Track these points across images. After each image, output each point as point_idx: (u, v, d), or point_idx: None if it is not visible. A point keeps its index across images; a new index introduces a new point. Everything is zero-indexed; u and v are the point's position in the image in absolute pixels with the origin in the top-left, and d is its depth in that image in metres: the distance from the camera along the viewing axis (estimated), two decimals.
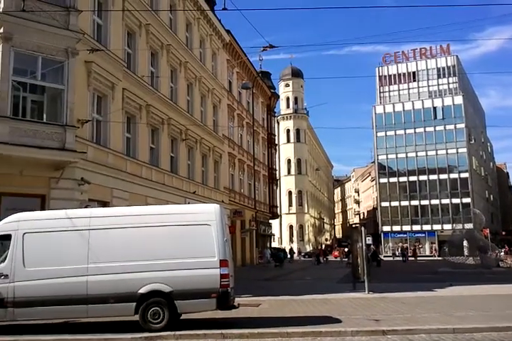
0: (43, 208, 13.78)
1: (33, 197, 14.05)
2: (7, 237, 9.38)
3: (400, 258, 45.14)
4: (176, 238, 9.42)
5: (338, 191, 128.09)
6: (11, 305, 8.96)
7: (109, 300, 9.00)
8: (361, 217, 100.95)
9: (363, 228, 16.80)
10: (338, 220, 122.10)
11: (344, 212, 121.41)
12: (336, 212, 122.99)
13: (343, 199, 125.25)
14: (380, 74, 75.84)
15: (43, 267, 9.15)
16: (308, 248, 66.94)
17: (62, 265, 9.18)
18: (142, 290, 9.06)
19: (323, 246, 72.42)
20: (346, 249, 43.79)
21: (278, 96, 58.14)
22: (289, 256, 47.83)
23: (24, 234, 9.34)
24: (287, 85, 74.38)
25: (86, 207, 14.29)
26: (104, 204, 16.49)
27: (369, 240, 31.65)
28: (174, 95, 24.15)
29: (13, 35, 13.21)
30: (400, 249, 52.73)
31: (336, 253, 56.47)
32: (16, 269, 9.14)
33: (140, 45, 20.39)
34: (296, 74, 74.30)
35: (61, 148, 13.82)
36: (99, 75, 16.67)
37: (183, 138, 24.38)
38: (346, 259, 36.16)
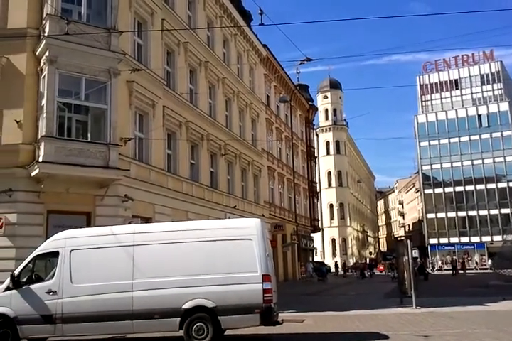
0: (88, 225, 14.10)
1: (79, 215, 14.39)
2: (55, 254, 9.63)
3: (442, 271, 43.64)
4: (217, 253, 9.42)
5: (381, 203, 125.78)
6: (60, 321, 9.14)
7: (154, 315, 9.05)
8: (406, 230, 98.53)
9: (408, 241, 16.36)
10: (382, 233, 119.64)
11: (388, 224, 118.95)
12: (380, 224, 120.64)
13: (386, 212, 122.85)
14: (421, 82, 74.73)
15: (90, 283, 9.32)
16: (352, 262, 65.76)
17: (108, 281, 9.31)
18: (186, 306, 9.06)
19: (368, 259, 71.01)
20: (389, 262, 42.87)
21: (316, 109, 57.96)
22: (340, 270, 47.03)
23: (71, 250, 9.56)
24: (325, 97, 74.10)
25: (130, 223, 14.52)
26: (147, 220, 16.72)
27: (415, 253, 30.85)
28: (213, 111, 24.45)
29: (57, 58, 13.71)
30: (445, 262, 51.04)
31: (381, 267, 55.22)
32: (64, 285, 9.34)
33: (179, 63, 20.80)
34: (335, 85, 73.96)
35: (105, 166, 14.15)
36: (141, 94, 17.07)
37: (222, 153, 24.59)
38: (392, 273, 35.32)
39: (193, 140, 21.62)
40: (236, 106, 27.70)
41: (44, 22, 14.05)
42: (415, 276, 16.76)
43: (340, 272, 50.63)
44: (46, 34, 13.68)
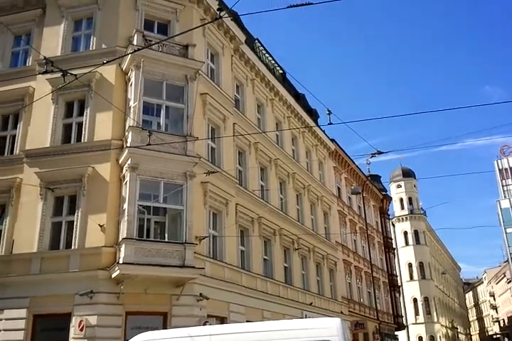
0: (165, 326, 14.11)
1: (156, 315, 14.46)
2: None
3: None
4: None
5: (469, 296, 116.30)
6: None
7: None
8: (501, 325, 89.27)
9: (506, 339, 14.92)
10: (474, 329, 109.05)
11: (480, 319, 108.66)
12: (471, 319, 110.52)
13: (476, 305, 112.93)
14: (500, 167, 72.54)
15: None
16: None
17: None
18: None
19: None
20: None
21: (390, 198, 56.89)
22: None
23: None
24: (399, 186, 72.92)
25: (205, 323, 14.41)
26: (222, 319, 16.48)
27: None
28: (284, 206, 24.74)
29: (138, 165, 14.82)
30: None
31: None
32: None
33: (250, 162, 21.69)
34: (408, 174, 72.98)
35: (181, 266, 14.40)
36: (214, 193, 17.74)
37: (295, 248, 24.37)
38: None
39: (265, 235, 21.75)
40: (307, 199, 27.93)
41: (127, 133, 15.41)
42: None
43: None
44: (129, 144, 14.95)
